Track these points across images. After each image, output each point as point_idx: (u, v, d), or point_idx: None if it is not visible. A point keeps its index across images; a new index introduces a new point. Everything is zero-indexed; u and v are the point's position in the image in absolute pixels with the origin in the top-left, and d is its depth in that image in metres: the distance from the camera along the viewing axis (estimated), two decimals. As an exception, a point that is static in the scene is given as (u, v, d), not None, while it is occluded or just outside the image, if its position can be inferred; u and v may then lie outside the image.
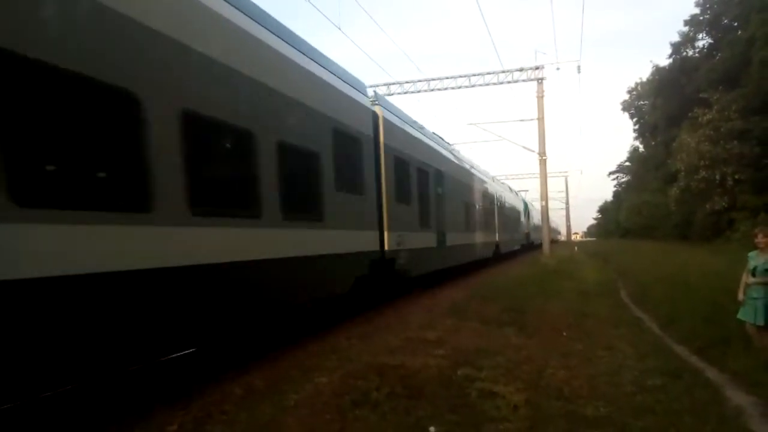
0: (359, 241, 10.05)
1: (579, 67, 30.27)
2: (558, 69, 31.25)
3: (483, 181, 22.04)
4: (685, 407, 5.03)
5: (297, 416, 4.85)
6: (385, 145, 11.54)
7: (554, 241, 65.12)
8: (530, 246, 41.17)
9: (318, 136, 8.54)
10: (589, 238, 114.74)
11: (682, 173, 26.73)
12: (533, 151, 31.62)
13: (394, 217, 11.69)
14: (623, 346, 7.67)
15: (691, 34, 36.97)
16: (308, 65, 8.55)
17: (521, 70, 30.18)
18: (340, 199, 9.16)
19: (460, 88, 31.27)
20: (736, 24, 30.29)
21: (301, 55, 8.39)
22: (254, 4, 7.28)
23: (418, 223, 13.46)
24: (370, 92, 11.88)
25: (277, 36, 7.70)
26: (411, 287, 13.92)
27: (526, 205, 37.39)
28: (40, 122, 4.21)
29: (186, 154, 5.53)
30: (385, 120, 11.71)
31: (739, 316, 6.58)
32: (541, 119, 30.44)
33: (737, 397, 5.47)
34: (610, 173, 77.56)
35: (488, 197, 22.87)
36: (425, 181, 14.35)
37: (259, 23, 7.20)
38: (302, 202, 8.06)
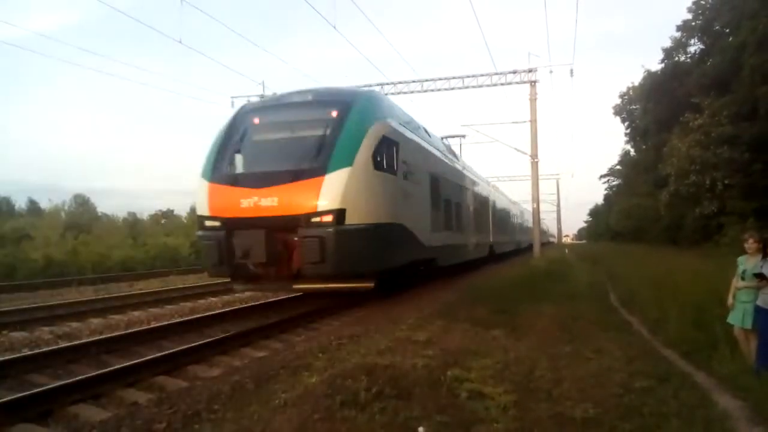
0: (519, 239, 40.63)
1: (572, 71, 30.33)
2: (551, 72, 31.10)
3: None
4: (672, 410, 5.06)
5: (286, 416, 4.84)
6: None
7: (546, 244, 65.69)
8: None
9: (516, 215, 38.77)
10: (579, 241, 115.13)
11: (673, 177, 26.85)
12: (525, 154, 31.70)
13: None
14: (612, 348, 7.69)
15: (683, 39, 37.15)
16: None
17: (514, 72, 30.21)
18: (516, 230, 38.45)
19: (453, 89, 31.28)
20: (727, 30, 30.48)
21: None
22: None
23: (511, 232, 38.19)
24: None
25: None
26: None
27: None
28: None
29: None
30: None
31: (729, 320, 6.62)
32: (533, 122, 30.50)
33: (724, 400, 5.50)
34: (601, 176, 77.55)
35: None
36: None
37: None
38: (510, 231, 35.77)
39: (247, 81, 52.63)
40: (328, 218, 9.71)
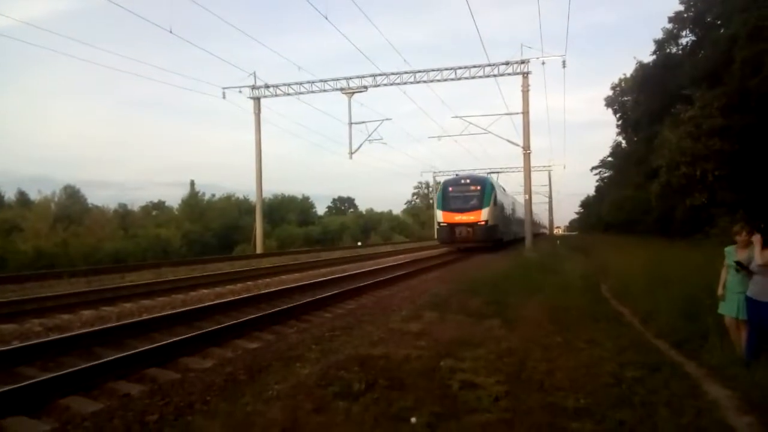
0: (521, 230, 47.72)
1: (564, 62, 30.36)
2: (543, 63, 31.05)
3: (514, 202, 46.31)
4: (662, 400, 5.10)
5: (279, 407, 4.84)
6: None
7: (539, 235, 66.96)
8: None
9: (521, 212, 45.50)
10: (571, 233, 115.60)
11: (664, 169, 26.85)
12: (518, 145, 31.74)
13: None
14: (603, 339, 7.74)
15: (675, 31, 37.18)
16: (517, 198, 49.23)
17: (507, 63, 30.20)
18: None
19: (446, 80, 31.24)
20: (719, 22, 30.53)
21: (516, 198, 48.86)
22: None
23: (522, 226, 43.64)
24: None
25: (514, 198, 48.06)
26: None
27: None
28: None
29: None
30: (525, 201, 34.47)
31: (720, 310, 6.63)
32: (526, 113, 30.54)
33: (714, 390, 5.55)
34: (593, 168, 77.45)
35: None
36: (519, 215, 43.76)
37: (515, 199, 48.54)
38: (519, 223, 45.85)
39: (238, 72, 52.25)
40: (483, 222, 30.26)
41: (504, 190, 42.22)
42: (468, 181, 32.26)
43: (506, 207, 38.01)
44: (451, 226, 30.87)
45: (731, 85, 24.87)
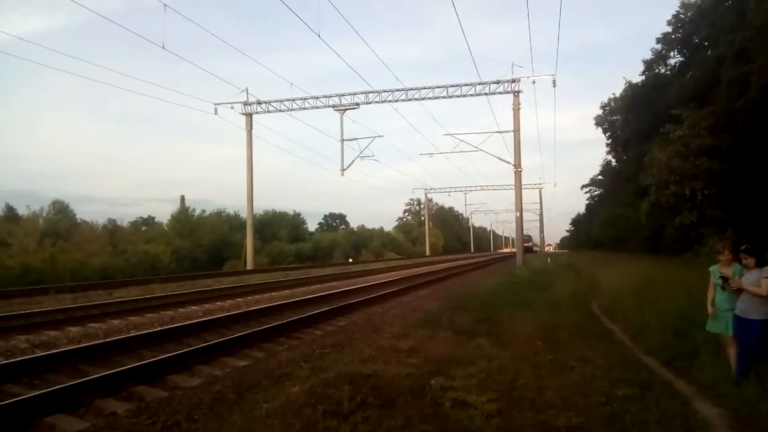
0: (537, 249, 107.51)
1: (554, 81, 30.78)
2: (534, 82, 31.56)
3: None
4: (653, 418, 5.08)
5: (267, 426, 4.79)
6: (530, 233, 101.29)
7: (531, 252, 72.54)
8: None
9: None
10: (561, 250, 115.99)
11: (653, 187, 27.04)
12: (509, 163, 31.95)
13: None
14: (594, 357, 7.73)
15: (663, 51, 37.74)
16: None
17: (498, 82, 30.55)
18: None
19: (437, 98, 31.49)
20: (706, 44, 31.02)
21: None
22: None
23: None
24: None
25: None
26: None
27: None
28: None
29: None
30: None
31: (708, 328, 6.63)
32: (516, 131, 30.82)
33: (704, 408, 5.55)
34: (583, 186, 77.97)
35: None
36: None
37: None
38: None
39: (230, 87, 52.33)
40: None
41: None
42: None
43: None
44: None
45: (719, 105, 25.17)
